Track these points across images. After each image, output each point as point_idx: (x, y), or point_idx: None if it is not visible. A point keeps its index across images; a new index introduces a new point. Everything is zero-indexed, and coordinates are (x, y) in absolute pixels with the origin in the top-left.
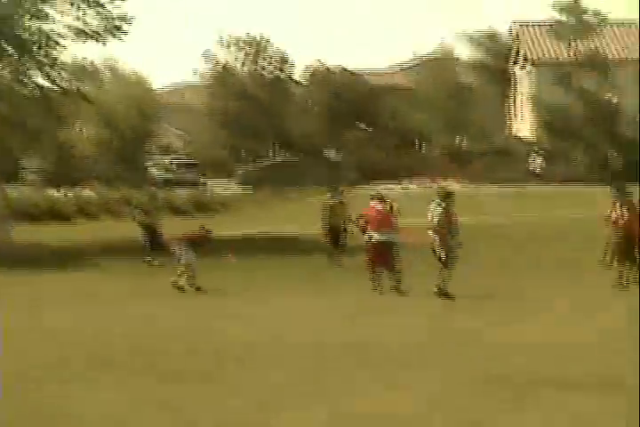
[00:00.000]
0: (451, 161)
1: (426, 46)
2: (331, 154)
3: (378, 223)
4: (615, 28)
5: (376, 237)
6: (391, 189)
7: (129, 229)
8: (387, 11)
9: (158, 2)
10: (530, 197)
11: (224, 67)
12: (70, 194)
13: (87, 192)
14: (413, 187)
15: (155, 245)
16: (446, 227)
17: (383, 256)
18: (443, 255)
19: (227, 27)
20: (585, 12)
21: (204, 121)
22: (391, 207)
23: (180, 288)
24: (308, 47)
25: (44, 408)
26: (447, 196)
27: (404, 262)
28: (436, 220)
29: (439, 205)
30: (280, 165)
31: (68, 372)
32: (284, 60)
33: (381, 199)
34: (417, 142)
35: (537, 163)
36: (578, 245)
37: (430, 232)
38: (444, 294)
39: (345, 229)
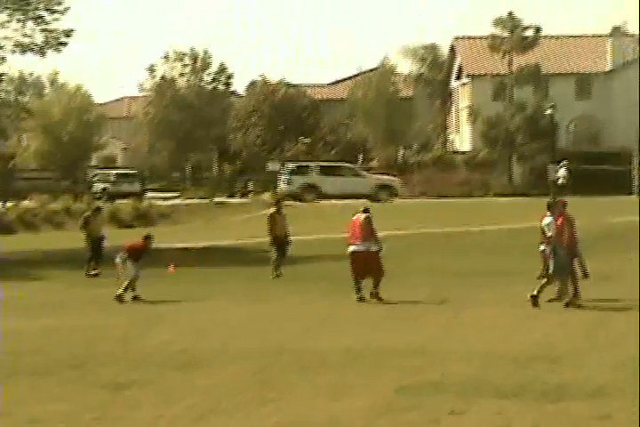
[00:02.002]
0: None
1: (372, 62)
2: (273, 166)
3: (361, 234)
4: (553, 41)
5: (360, 247)
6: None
7: (70, 240)
8: (332, 28)
9: (112, 16)
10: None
11: (164, 78)
12: (11, 205)
13: (29, 203)
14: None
15: (98, 256)
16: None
17: (369, 265)
18: (551, 267)
19: (173, 42)
20: (519, 25)
21: (145, 132)
22: (369, 218)
23: (120, 299)
24: (256, 64)
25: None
26: (554, 204)
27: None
28: (550, 232)
29: (550, 216)
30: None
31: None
32: (225, 74)
33: (368, 211)
34: (358, 155)
35: (562, 174)
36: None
37: (542, 246)
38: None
39: (288, 240)
